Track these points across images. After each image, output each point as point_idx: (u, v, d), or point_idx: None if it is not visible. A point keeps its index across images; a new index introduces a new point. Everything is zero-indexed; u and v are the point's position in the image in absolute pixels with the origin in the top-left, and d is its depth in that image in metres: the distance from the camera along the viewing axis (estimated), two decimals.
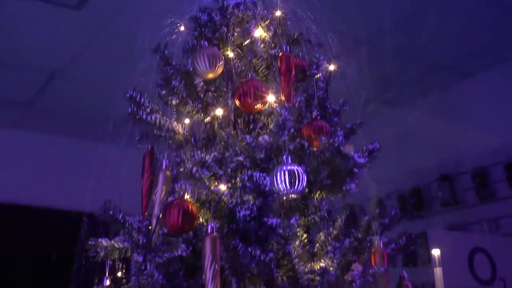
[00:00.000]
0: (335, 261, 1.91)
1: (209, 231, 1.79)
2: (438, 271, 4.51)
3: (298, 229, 1.86)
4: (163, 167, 2.00)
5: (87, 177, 4.03)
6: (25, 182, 5.14)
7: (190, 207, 1.86)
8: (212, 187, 1.92)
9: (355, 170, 2.05)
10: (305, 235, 2.01)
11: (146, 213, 2.13)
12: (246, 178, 1.86)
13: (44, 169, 5.27)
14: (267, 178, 1.85)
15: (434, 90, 5.10)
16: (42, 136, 5.34)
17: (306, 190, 2.03)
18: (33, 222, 5.18)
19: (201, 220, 1.94)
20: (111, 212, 2.09)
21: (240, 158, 1.98)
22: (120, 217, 2.09)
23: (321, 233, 2.06)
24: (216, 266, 1.75)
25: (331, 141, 1.97)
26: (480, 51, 4.70)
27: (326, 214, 2.15)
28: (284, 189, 1.81)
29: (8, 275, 5.04)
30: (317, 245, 2.02)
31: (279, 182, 1.81)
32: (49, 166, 5.30)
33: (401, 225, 2.18)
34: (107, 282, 2.14)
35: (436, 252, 4.48)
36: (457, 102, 5.08)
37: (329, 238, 1.99)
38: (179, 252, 1.90)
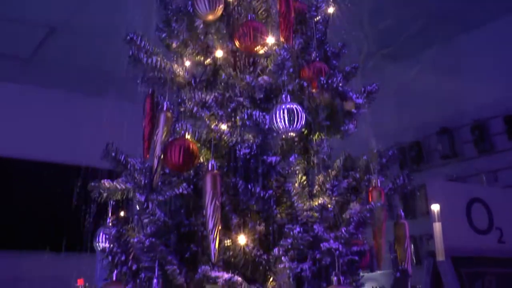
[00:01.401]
0: (333, 199, 1.95)
1: (209, 168, 1.83)
2: (437, 226, 4.59)
3: (297, 168, 1.89)
4: (164, 108, 2.03)
5: (88, 130, 4.07)
6: (27, 136, 5.17)
7: (191, 146, 1.89)
8: (212, 126, 1.95)
9: (354, 111, 2.07)
10: (304, 177, 2.04)
11: (147, 156, 2.16)
12: (245, 116, 1.89)
13: (46, 123, 5.30)
14: (267, 117, 1.88)
15: (435, 44, 5.09)
16: (44, 90, 5.35)
17: (305, 131, 2.07)
18: (34, 176, 5.23)
19: (201, 159, 1.97)
20: (113, 154, 2.13)
21: (240, 99, 2.00)
22: (122, 158, 2.12)
23: (320, 175, 2.09)
24: (217, 202, 1.79)
25: (329, 81, 1.99)
26: (481, 4, 4.67)
27: (325, 157, 2.19)
28: (283, 127, 1.84)
29: (12, 230, 5.11)
30: (316, 186, 2.06)
31: (278, 120, 1.84)
32: (51, 120, 5.33)
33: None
34: (111, 230, 2.17)
35: (435, 208, 4.54)
36: (458, 56, 5.07)
37: (328, 178, 2.03)
38: (180, 191, 1.94)
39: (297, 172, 1.90)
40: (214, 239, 1.76)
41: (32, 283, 4.58)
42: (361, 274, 1.91)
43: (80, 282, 4.52)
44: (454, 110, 5.06)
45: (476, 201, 4.32)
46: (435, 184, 4.34)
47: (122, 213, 2.13)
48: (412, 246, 5.18)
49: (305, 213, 1.91)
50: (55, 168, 5.25)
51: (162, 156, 1.93)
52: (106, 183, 2.13)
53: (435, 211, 4.54)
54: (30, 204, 5.15)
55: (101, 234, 2.07)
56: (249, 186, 1.85)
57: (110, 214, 2.15)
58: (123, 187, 2.12)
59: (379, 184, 2.02)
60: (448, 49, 5.10)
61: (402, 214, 2.12)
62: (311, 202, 1.94)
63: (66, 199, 4.99)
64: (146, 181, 2.07)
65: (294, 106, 1.85)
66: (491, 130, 4.88)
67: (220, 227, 1.77)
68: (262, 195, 1.85)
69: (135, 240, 1.88)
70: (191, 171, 1.98)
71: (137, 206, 2.06)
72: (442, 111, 5.09)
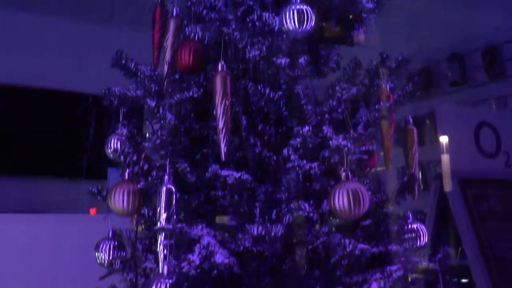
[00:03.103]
0: (342, 102, 1.96)
1: (219, 69, 1.84)
2: (445, 158, 4.60)
3: (307, 69, 1.90)
4: (174, 14, 2.02)
5: (92, 58, 4.06)
6: (29, 63, 5.16)
7: (200, 47, 1.89)
8: (222, 29, 1.94)
9: (363, 15, 2.06)
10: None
11: (157, 64, 2.16)
12: (255, 18, 1.88)
13: (48, 50, 5.28)
14: (276, 18, 1.88)
15: None
16: (49, 17, 5.31)
17: (316, 35, 2.06)
18: (46, 103, 5.25)
19: (211, 62, 1.98)
20: (123, 62, 2.13)
21: (250, 2, 1.99)
22: (132, 66, 2.13)
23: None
24: (227, 102, 1.81)
25: None
26: None
27: (334, 65, 2.19)
28: (293, 28, 1.84)
29: (24, 156, 5.16)
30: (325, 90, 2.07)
31: (288, 21, 1.83)
32: (53, 47, 5.30)
33: (408, 105, 2.21)
34: (122, 130, 2.20)
35: (444, 139, 4.54)
36: None
37: (337, 82, 2.04)
38: (191, 94, 1.95)
39: (306, 74, 1.91)
40: (224, 138, 1.78)
41: (45, 210, 4.66)
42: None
43: (92, 212, 4.60)
44: (465, 35, 5.00)
45: (484, 125, 4.34)
46: (444, 108, 4.36)
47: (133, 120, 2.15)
48: (420, 172, 5.23)
49: (314, 116, 1.93)
50: (68, 96, 5.27)
51: (172, 61, 1.94)
52: (116, 90, 2.14)
53: (444, 143, 4.55)
54: (44, 131, 5.20)
55: (112, 139, 2.10)
56: (259, 87, 1.87)
57: (121, 122, 2.17)
58: (134, 94, 2.13)
59: (388, 89, 2.03)
60: None
61: (411, 119, 2.14)
62: (321, 106, 1.96)
63: (80, 126, 5.06)
64: (156, 88, 2.09)
65: (304, 7, 1.84)
66: (503, 55, 4.84)
67: (229, 126, 1.79)
68: (271, 96, 1.87)
69: (147, 144, 1.92)
70: (201, 75, 1.99)
71: (148, 112, 2.08)
72: (452, 36, 5.03)
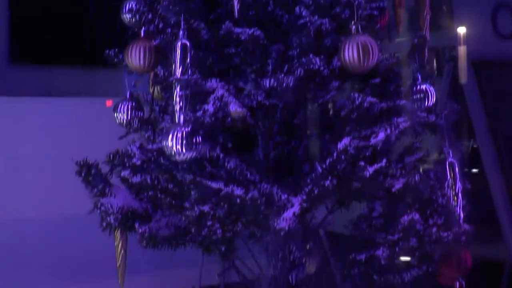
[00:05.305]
0: None
1: None
2: (462, 49, 4.55)
3: None
4: None
5: None
6: None
7: None
8: None
9: None
10: None
11: None
12: None
13: None
14: None
15: None
16: None
17: None
18: None
19: None
20: None
21: None
22: None
23: None
24: None
25: None
26: None
27: None
28: None
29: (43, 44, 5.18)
30: None
31: None
32: None
33: None
34: None
35: (461, 30, 4.48)
36: None
37: None
38: None
39: None
40: None
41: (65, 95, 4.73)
42: None
43: (109, 103, 4.67)
44: None
45: (503, 6, 4.28)
46: None
47: None
48: (435, 59, 5.21)
49: None
50: None
51: None
52: None
53: (461, 34, 4.50)
54: (63, 19, 5.18)
55: (128, 1, 2.09)
56: None
57: None
58: None
59: None
60: None
61: None
62: None
63: (98, 15, 5.04)
64: None
65: None
66: None
67: None
68: None
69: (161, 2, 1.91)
70: None
71: None
72: None
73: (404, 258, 1.92)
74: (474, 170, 4.30)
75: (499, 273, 3.89)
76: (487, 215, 3.94)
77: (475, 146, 4.08)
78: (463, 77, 4.25)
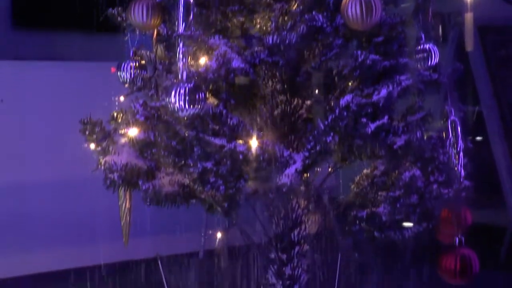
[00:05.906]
0: None
1: None
2: (468, 16, 4.50)
3: None
4: None
5: None
6: None
7: None
8: None
9: None
10: None
11: None
12: None
13: None
14: None
15: None
16: None
17: None
18: None
19: None
20: None
21: None
22: None
23: None
24: None
25: None
26: None
27: None
28: None
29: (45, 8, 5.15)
30: None
31: None
32: None
33: None
34: None
35: None
36: None
37: None
38: None
39: None
40: None
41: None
42: None
43: (114, 70, 4.66)
44: None
45: None
46: None
47: None
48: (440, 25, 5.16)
49: None
50: None
51: None
52: None
53: (468, 1, 4.45)
54: None
55: None
56: None
57: None
58: None
59: None
60: None
61: None
62: None
63: None
64: None
65: None
66: None
67: None
68: None
69: None
70: None
71: None
72: None
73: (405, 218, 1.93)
74: (478, 138, 4.31)
75: (501, 238, 3.92)
76: (490, 182, 3.96)
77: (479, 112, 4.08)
78: (470, 45, 4.23)
